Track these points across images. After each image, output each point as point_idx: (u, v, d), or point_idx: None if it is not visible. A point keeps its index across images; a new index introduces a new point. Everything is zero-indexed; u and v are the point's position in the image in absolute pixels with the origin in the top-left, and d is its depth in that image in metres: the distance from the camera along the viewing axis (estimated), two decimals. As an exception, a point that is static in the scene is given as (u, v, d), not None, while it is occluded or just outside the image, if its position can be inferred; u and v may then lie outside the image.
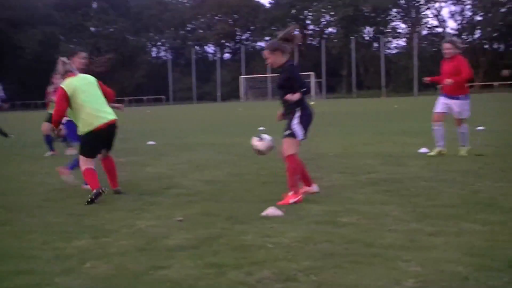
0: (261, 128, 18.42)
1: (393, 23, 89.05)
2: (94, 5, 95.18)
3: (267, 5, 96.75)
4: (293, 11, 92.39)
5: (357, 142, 12.67)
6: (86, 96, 7.00)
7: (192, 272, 3.98)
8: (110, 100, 7.44)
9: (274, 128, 18.55)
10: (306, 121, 6.47)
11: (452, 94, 9.93)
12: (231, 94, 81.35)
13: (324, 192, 6.81)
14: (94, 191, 6.66)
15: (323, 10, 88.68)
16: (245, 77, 79.28)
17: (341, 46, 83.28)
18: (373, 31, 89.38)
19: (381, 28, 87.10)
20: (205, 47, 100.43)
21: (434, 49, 73.39)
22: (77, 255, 4.49)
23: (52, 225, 5.58)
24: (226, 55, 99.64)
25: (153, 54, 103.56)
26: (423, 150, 10.59)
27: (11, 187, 8.17)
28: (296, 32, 6.81)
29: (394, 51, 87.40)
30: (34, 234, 5.21)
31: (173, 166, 9.86)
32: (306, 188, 6.73)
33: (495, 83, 61.86)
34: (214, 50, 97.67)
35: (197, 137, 16.16)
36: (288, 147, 6.41)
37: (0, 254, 4.59)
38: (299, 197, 6.30)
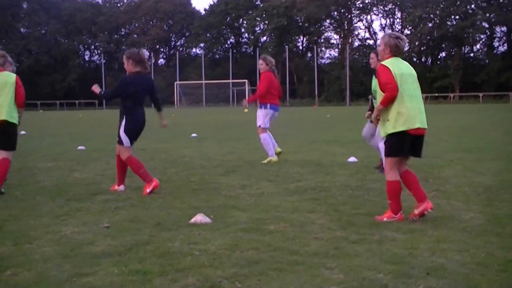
0: (193, 135, 18.38)
1: (326, 34, 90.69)
2: (25, 5, 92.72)
3: (203, 12, 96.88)
4: (228, 18, 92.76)
5: (288, 150, 12.82)
6: None
7: (116, 279, 3.94)
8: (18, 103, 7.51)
9: (206, 134, 18.64)
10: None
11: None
12: (165, 100, 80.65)
13: (253, 200, 6.86)
14: None
15: (258, 19, 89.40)
16: (180, 83, 78.91)
17: (275, 54, 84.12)
18: (307, 41, 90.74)
19: (314, 38, 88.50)
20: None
21: (365, 60, 75.18)
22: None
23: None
24: (161, 61, 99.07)
25: (86, 57, 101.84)
26: (352, 159, 10.81)
27: None
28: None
29: (327, 61, 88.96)
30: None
31: (103, 171, 9.70)
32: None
33: (424, 95, 63.91)
34: (148, 56, 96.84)
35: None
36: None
37: None
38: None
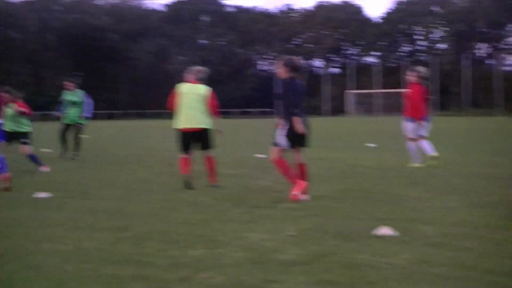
0: (371, 145, 18.18)
1: (509, 39, 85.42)
2: (206, 18, 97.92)
3: (376, 19, 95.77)
4: (401, 26, 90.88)
5: (471, 162, 12.19)
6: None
7: (305, 288, 3.97)
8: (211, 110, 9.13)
9: (383, 144, 18.34)
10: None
11: None
12: (338, 108, 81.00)
13: (439, 213, 6.61)
14: None
15: (431, 25, 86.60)
16: (352, 92, 78.66)
17: (453, 62, 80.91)
18: (487, 47, 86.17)
19: (495, 44, 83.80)
20: (312, 61, 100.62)
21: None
22: (192, 265, 4.60)
23: (167, 233, 5.75)
24: (333, 70, 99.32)
25: (260, 67, 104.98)
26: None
27: (128, 194, 8.49)
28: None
29: (509, 68, 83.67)
30: (151, 241, 5.39)
31: (282, 179, 9.87)
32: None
33: None
34: (321, 65, 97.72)
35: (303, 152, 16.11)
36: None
37: (121, 259, 4.78)
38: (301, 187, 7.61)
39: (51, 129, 19.97)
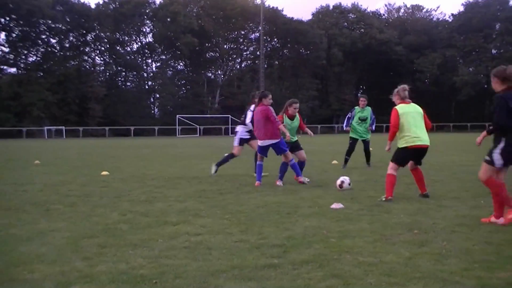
0: None
1: None
2: (497, 26, 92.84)
3: None
4: None
5: None
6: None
7: None
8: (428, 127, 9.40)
9: None
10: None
11: None
12: None
13: None
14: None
15: None
16: None
17: None
18: None
19: None
20: None
21: None
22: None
23: (471, 251, 5.50)
24: None
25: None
26: None
27: (422, 208, 8.36)
28: None
29: None
30: (453, 259, 5.20)
31: None
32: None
33: None
34: None
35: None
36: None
37: (422, 276, 4.69)
38: None
39: (336, 141, 20.66)
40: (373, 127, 15.90)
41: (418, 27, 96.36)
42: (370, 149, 16.24)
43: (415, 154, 9.31)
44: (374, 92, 79.45)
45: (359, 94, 18.75)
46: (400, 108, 9.30)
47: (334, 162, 17.65)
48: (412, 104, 9.44)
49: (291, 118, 12.23)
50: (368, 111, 15.96)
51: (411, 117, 9.21)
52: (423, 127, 9.28)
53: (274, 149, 11.60)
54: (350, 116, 16.02)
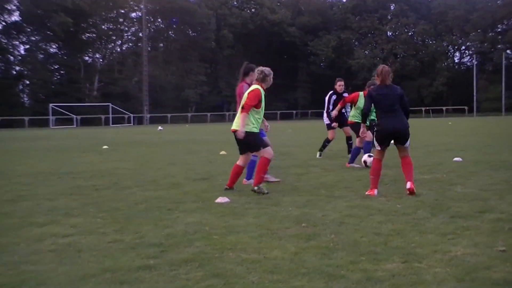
0: None
1: None
2: (392, 7, 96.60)
3: None
4: None
5: None
6: None
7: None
8: None
9: None
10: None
11: None
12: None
13: None
14: None
15: None
16: None
17: None
18: None
19: None
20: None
21: None
22: (387, 280, 4.52)
23: (359, 243, 5.71)
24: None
25: (456, 59, 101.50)
26: None
27: (311, 200, 8.58)
28: None
29: None
30: (341, 252, 5.38)
31: (487, 186, 9.44)
32: None
33: None
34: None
35: None
36: None
37: (308, 271, 4.82)
38: None
39: (227, 130, 20.84)
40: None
41: (312, 8, 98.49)
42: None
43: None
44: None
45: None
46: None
47: (223, 152, 17.75)
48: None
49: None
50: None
51: None
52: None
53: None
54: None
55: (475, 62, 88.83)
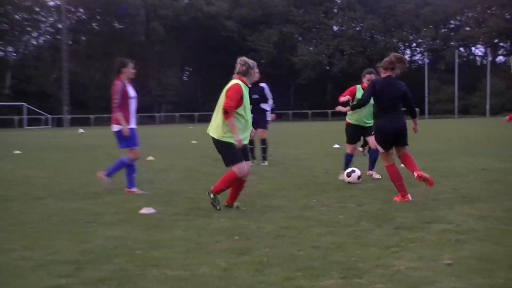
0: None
1: None
2: (339, 0, 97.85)
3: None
4: None
5: None
6: None
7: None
8: None
9: None
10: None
11: None
12: (505, 106, 78.03)
13: None
14: None
15: None
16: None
17: None
18: None
19: None
20: (473, 48, 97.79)
21: None
22: (325, 297, 4.58)
23: (296, 258, 5.76)
24: (500, 58, 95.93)
25: (406, 57, 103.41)
26: None
27: (246, 210, 8.61)
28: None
29: None
30: (275, 268, 5.42)
31: (435, 195, 9.66)
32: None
33: None
34: (484, 52, 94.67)
35: (462, 160, 15.73)
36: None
37: (239, 288, 4.85)
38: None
39: (158, 132, 20.68)
40: None
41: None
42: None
43: None
44: (203, 74, 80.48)
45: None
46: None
47: (150, 158, 17.64)
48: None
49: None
50: None
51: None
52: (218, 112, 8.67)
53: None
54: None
55: (427, 61, 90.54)
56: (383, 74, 9.47)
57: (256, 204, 9.09)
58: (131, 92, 10.67)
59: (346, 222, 7.55)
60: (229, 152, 8.54)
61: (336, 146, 21.51)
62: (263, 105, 15.53)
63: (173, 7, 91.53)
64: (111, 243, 6.52)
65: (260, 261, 5.67)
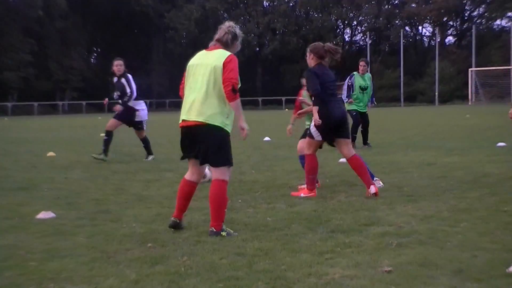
0: (501, 144, 17.84)
1: None
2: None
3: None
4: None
5: None
6: None
7: None
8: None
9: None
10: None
11: None
12: (455, 94, 79.83)
13: None
14: None
15: None
16: (476, 70, 77.31)
17: None
18: None
19: None
20: (419, 28, 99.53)
21: None
22: (249, 311, 4.63)
23: (217, 267, 5.79)
24: (449, 39, 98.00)
25: (346, 37, 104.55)
26: None
27: (160, 213, 8.61)
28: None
29: None
30: (193, 279, 5.44)
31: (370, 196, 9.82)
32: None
33: None
34: (432, 32, 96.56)
35: (406, 154, 16.02)
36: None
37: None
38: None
39: (60, 125, 20.42)
40: (374, 101, 18.39)
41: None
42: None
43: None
44: (114, 56, 79.59)
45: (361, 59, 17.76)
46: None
47: (51, 154, 17.42)
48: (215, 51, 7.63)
49: None
50: (368, 79, 17.96)
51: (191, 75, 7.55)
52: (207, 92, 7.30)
53: None
54: (350, 84, 16.92)
55: (369, 41, 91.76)
56: (314, 62, 10.05)
57: (173, 206, 9.06)
58: None
59: (275, 225, 7.62)
60: (228, 147, 7.34)
61: (267, 138, 21.64)
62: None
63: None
64: (1, 254, 6.43)
65: (177, 271, 5.68)
